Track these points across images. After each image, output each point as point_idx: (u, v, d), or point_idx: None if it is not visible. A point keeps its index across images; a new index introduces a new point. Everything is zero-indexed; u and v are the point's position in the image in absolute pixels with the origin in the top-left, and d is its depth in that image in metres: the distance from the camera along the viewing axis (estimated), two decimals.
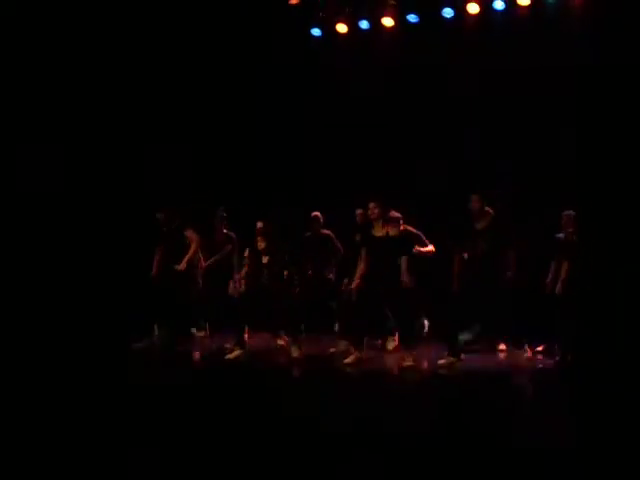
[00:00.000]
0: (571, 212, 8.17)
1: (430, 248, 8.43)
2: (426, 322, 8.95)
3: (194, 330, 9.13)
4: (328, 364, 8.10)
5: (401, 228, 8.01)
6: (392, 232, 7.81)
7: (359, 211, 8.68)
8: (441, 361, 7.64)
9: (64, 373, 7.16)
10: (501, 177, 9.35)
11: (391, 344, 8.58)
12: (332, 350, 8.57)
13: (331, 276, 9.02)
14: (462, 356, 7.63)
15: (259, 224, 8.66)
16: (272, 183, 10.82)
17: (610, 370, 6.89)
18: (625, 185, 8.75)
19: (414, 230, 8.42)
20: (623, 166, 8.84)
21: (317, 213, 9.06)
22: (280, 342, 8.37)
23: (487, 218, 7.64)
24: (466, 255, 7.72)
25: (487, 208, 7.70)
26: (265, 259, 8.39)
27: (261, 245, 8.43)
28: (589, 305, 7.49)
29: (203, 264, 9.19)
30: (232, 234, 9.21)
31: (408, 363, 7.55)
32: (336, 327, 9.11)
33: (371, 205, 7.80)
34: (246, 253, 8.75)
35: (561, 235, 8.22)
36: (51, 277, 9.63)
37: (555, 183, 9.09)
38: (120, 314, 9.20)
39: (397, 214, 8.04)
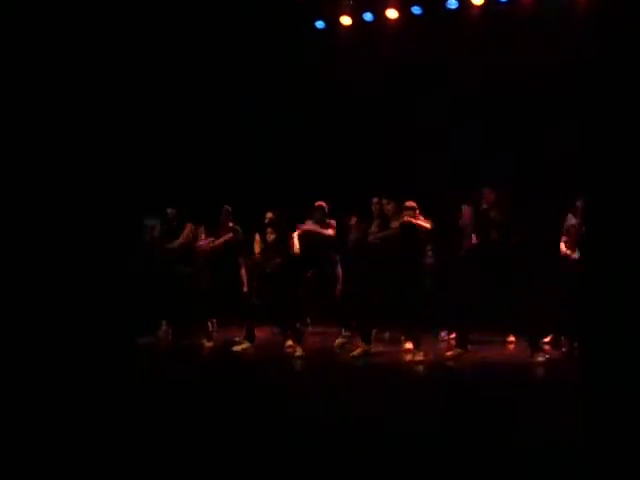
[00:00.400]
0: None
1: (427, 225, 8.37)
2: (443, 334, 8.96)
3: (208, 324, 9.10)
4: (335, 357, 8.14)
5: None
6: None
7: (375, 200, 8.60)
8: (449, 353, 7.67)
9: (68, 368, 7.15)
10: (503, 170, 9.35)
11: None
12: (337, 342, 8.58)
13: (338, 267, 8.99)
14: (469, 347, 7.62)
15: (269, 214, 8.65)
16: (277, 177, 10.82)
17: (615, 366, 6.87)
18: (629, 179, 8.70)
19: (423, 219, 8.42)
20: (627, 160, 8.79)
21: (322, 202, 9.02)
22: (289, 343, 8.38)
23: (501, 209, 7.60)
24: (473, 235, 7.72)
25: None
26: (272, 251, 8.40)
27: (270, 237, 8.42)
28: (594, 300, 7.44)
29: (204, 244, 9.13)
30: (237, 227, 9.18)
31: (419, 358, 7.56)
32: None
33: (384, 201, 7.84)
34: (257, 239, 8.71)
35: (574, 222, 8.16)
36: (54, 270, 9.60)
37: (557, 176, 9.06)
38: (125, 309, 9.18)
39: (412, 203, 8.07)
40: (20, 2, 9.25)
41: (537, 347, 7.45)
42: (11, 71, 9.43)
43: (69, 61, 9.74)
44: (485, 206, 7.61)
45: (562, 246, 8.05)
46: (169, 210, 8.97)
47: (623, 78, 8.26)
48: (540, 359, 7.33)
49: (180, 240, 8.95)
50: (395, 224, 7.85)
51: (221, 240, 8.90)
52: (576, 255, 7.86)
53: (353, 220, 8.67)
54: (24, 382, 6.60)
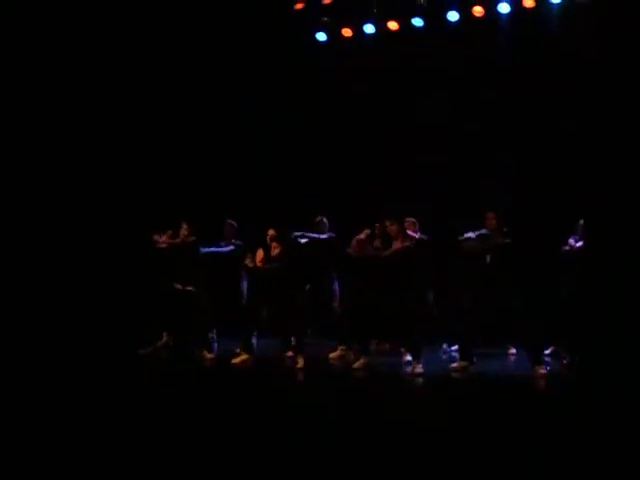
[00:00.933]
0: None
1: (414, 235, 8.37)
2: (445, 345, 8.95)
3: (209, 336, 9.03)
4: (335, 369, 8.14)
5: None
6: (407, 242, 7.85)
7: (377, 225, 8.57)
8: (454, 365, 7.64)
9: (69, 377, 7.12)
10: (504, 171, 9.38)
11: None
12: (332, 355, 8.55)
13: (335, 283, 8.95)
14: (474, 360, 7.59)
15: (270, 232, 8.65)
16: (277, 177, 10.87)
17: (614, 371, 6.87)
18: (628, 182, 8.73)
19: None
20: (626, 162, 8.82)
21: (322, 217, 9.01)
22: (289, 353, 8.38)
23: (503, 233, 7.57)
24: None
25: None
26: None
27: (275, 250, 8.43)
28: (593, 307, 7.45)
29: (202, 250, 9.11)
30: (240, 243, 9.13)
31: (418, 370, 7.52)
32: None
33: (388, 222, 7.88)
34: (259, 254, 8.69)
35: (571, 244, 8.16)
36: (55, 279, 9.59)
37: (557, 177, 9.09)
38: (127, 319, 9.18)
39: (412, 219, 8.13)
40: (20, 2, 9.28)
41: (538, 360, 7.41)
42: (11, 71, 9.45)
43: (69, 61, 9.78)
44: (486, 232, 7.59)
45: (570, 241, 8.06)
46: (184, 225, 9.07)
47: (623, 80, 8.30)
48: (541, 372, 7.28)
49: (181, 238, 9.07)
50: (397, 244, 7.85)
51: (222, 250, 8.88)
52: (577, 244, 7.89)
53: (364, 232, 8.58)
54: (24, 382, 6.60)
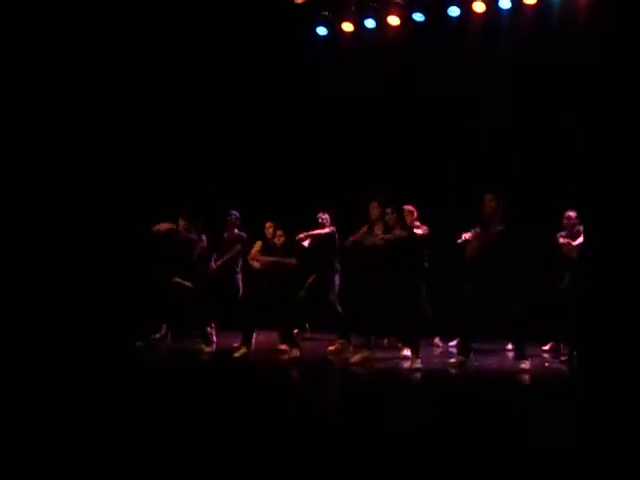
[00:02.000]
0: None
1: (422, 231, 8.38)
2: (437, 340, 9.00)
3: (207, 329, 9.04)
4: (334, 364, 8.14)
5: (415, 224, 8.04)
6: (404, 233, 7.85)
7: (374, 203, 8.51)
8: (451, 360, 7.66)
9: (68, 371, 7.12)
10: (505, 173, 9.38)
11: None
12: (330, 349, 8.56)
13: (336, 277, 8.95)
14: (472, 355, 7.60)
15: (268, 224, 8.66)
16: (277, 177, 10.89)
17: (613, 369, 6.87)
18: (628, 184, 8.73)
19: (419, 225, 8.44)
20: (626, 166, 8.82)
21: (323, 212, 9.01)
22: (282, 347, 8.42)
23: (501, 219, 7.55)
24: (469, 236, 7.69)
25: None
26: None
27: (280, 239, 8.46)
28: (591, 304, 7.45)
29: (213, 265, 9.15)
30: (243, 234, 9.15)
31: (417, 364, 7.54)
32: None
33: (388, 211, 7.89)
34: (258, 247, 8.70)
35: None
36: (55, 273, 9.60)
37: (558, 179, 9.09)
38: (125, 311, 9.19)
39: (411, 207, 8.18)
40: (20, 2, 9.28)
41: (522, 355, 7.39)
42: (11, 71, 9.45)
43: (69, 61, 9.78)
44: (479, 229, 7.58)
45: (560, 239, 8.06)
46: (181, 222, 9.05)
47: (624, 85, 8.28)
48: (523, 367, 7.30)
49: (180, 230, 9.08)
50: (397, 232, 7.86)
51: (227, 257, 8.96)
52: (575, 243, 7.88)
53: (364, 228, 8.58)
54: (24, 381, 6.60)
